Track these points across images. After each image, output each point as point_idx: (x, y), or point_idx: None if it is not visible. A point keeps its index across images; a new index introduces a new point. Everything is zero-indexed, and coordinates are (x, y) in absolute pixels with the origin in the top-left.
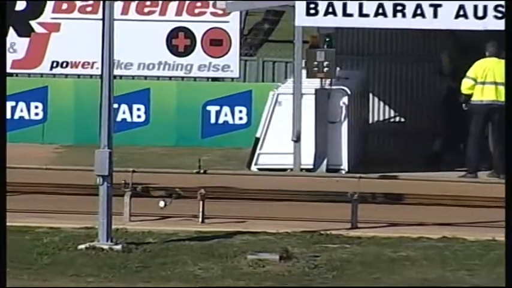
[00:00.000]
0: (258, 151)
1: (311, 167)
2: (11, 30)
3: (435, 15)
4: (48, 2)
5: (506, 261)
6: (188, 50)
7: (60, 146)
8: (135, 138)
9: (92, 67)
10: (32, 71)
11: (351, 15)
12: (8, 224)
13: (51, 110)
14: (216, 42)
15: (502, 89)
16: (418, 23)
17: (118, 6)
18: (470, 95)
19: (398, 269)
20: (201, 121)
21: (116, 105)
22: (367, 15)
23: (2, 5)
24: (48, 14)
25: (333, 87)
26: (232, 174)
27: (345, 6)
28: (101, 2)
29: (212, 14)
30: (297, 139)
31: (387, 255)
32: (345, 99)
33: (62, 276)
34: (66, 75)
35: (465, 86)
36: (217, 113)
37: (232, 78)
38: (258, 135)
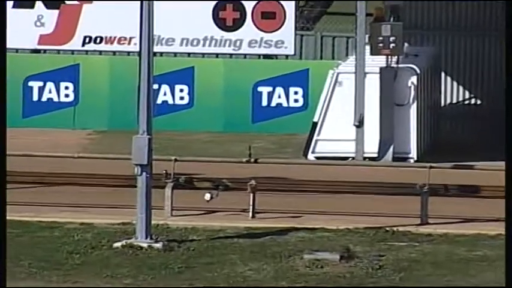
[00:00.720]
0: (315, 137)
1: (375, 155)
2: (39, 2)
3: None
4: None
5: (506, 261)
6: (237, 24)
7: (94, 131)
8: (178, 123)
9: (129, 43)
10: (61, 48)
11: None
12: (35, 219)
13: (83, 91)
14: (269, 15)
15: None
16: None
17: None
18: None
19: (474, 271)
20: (252, 104)
21: (156, 86)
22: None
23: (2, 4)
24: None
25: (400, 65)
26: (286, 163)
27: None
28: None
29: None
30: (359, 124)
31: (461, 255)
32: (414, 79)
33: (95, 278)
34: (100, 52)
35: None
36: (270, 95)
37: (287, 56)
38: (315, 119)
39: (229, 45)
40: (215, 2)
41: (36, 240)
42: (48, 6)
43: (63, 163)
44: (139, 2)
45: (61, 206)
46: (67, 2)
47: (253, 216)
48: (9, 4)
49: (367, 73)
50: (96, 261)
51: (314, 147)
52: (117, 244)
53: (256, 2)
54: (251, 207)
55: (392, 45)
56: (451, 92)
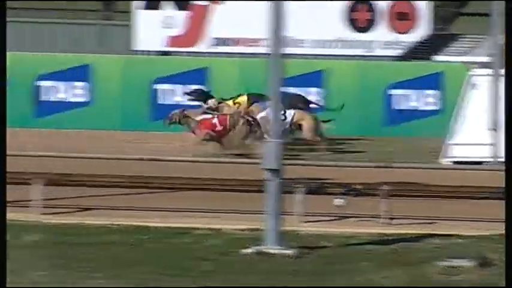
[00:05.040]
0: (450, 142)
1: None
2: (168, 2)
3: None
4: None
5: (506, 261)
6: (370, 25)
7: None
8: None
9: (259, 45)
10: (190, 50)
11: None
12: (163, 225)
13: (215, 93)
14: (403, 16)
15: None
16: None
17: None
18: None
19: None
20: (385, 107)
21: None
22: None
23: (2, 5)
24: None
25: None
26: (420, 168)
27: None
28: None
29: None
30: (494, 128)
31: None
32: None
33: (224, 284)
34: (229, 54)
35: None
36: (404, 98)
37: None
38: (451, 123)
39: (362, 47)
40: (347, 2)
41: (165, 247)
42: (176, 8)
43: (191, 168)
44: (268, 1)
45: (189, 212)
46: (196, 3)
47: (386, 223)
48: (142, 5)
49: (503, 76)
50: (226, 268)
51: (449, 152)
52: (247, 250)
53: (390, 2)
54: (384, 213)
55: None
56: None
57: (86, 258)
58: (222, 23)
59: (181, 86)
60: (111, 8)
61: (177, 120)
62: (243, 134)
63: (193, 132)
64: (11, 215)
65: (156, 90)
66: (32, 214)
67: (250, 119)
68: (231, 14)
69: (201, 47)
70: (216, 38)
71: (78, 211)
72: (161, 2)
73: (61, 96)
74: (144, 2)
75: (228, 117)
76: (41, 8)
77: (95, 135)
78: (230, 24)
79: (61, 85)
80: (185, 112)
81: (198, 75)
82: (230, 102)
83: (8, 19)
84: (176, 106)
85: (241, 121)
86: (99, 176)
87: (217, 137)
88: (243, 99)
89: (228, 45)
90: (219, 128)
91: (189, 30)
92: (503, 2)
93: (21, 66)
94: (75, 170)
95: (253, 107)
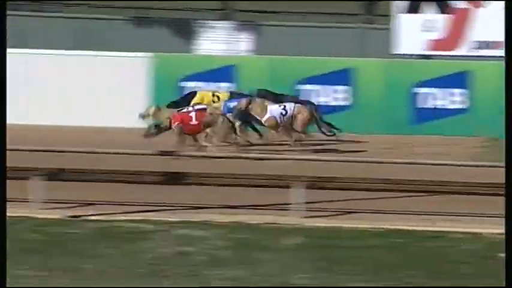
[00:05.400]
0: None
1: None
2: (429, 5)
3: None
4: None
5: (506, 261)
6: None
7: (487, 139)
8: None
9: None
10: (451, 53)
11: None
12: (419, 228)
13: (474, 97)
14: None
15: None
16: None
17: None
18: None
19: None
20: None
21: None
22: None
23: (2, 4)
24: None
25: None
26: None
27: None
28: None
29: None
30: None
31: None
32: None
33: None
34: (492, 58)
35: None
36: None
37: None
38: None
39: None
40: None
41: (420, 250)
42: (438, 11)
43: (446, 171)
44: None
45: (443, 215)
46: (457, 6)
47: None
48: (403, 8)
49: None
50: (484, 272)
51: None
52: (503, 255)
53: None
54: None
55: None
56: None
57: (348, 262)
58: (483, 25)
59: (442, 89)
60: (372, 11)
61: (150, 114)
62: (223, 133)
63: (170, 126)
64: (272, 218)
65: (416, 93)
66: (293, 217)
67: (230, 118)
68: (493, 16)
69: (462, 50)
70: (478, 41)
71: (339, 214)
72: (422, 3)
73: (323, 99)
74: (405, 2)
75: (207, 113)
76: (300, 12)
77: (355, 139)
78: (492, 27)
79: (322, 89)
80: (159, 106)
81: (459, 78)
82: (209, 93)
83: (268, 23)
84: (435, 110)
85: (221, 119)
86: (361, 179)
87: (189, 131)
88: (224, 94)
89: (490, 48)
90: (193, 122)
91: (449, 34)
92: None
93: (282, 69)
94: (336, 173)
95: (256, 105)
